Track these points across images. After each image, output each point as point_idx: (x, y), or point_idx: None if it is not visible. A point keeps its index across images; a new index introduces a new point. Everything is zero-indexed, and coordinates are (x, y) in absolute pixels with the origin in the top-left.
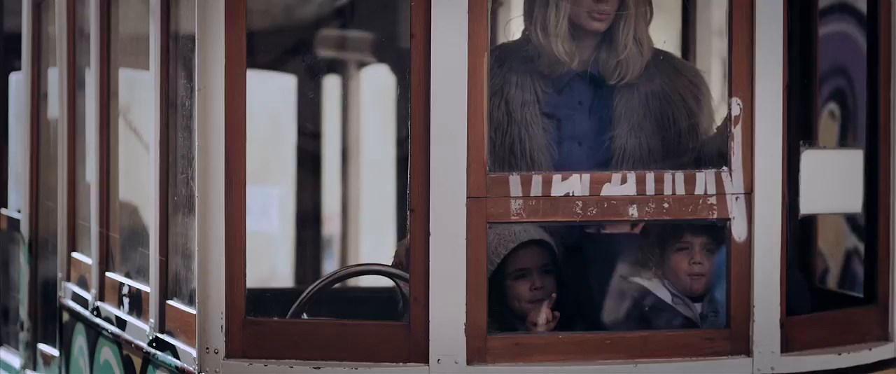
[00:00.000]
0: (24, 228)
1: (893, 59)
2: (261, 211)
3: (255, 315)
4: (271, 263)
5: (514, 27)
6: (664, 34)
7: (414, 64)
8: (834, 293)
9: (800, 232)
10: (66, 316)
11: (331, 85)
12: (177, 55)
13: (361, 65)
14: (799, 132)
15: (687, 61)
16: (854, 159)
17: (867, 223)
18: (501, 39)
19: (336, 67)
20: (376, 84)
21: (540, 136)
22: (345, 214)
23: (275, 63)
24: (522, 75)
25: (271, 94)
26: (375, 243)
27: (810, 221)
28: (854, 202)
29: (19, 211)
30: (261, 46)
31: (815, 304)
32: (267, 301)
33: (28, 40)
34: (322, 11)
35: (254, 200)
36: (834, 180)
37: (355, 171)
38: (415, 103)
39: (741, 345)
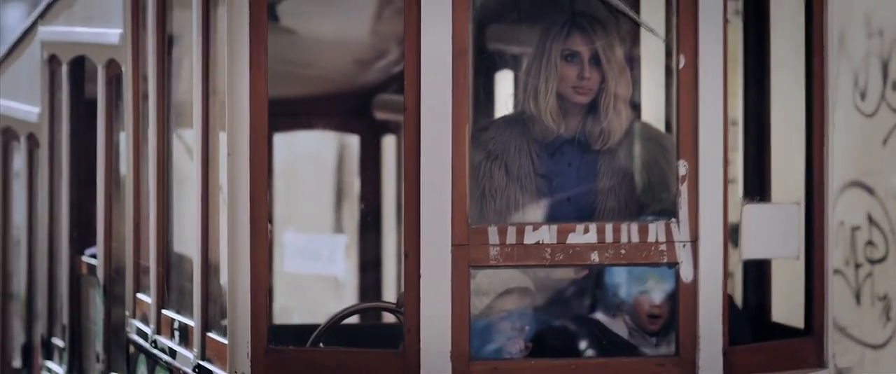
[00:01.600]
0: (99, 272)
1: (826, 118)
2: (329, 257)
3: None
4: (338, 302)
5: (512, 100)
6: (656, 113)
7: (406, 130)
8: (787, 327)
9: (756, 273)
10: (132, 349)
11: (388, 144)
12: (216, 116)
13: None
14: (752, 185)
15: (661, 130)
16: (790, 212)
17: (806, 264)
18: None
19: (392, 127)
20: None
21: (533, 194)
22: (399, 258)
23: (339, 125)
24: (520, 141)
25: (336, 152)
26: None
27: (765, 263)
28: (790, 249)
29: (94, 256)
30: (326, 110)
31: (756, 335)
32: (290, 332)
33: (103, 108)
34: (379, 78)
35: (323, 247)
36: (772, 230)
37: None
38: (407, 164)
39: (689, 371)
